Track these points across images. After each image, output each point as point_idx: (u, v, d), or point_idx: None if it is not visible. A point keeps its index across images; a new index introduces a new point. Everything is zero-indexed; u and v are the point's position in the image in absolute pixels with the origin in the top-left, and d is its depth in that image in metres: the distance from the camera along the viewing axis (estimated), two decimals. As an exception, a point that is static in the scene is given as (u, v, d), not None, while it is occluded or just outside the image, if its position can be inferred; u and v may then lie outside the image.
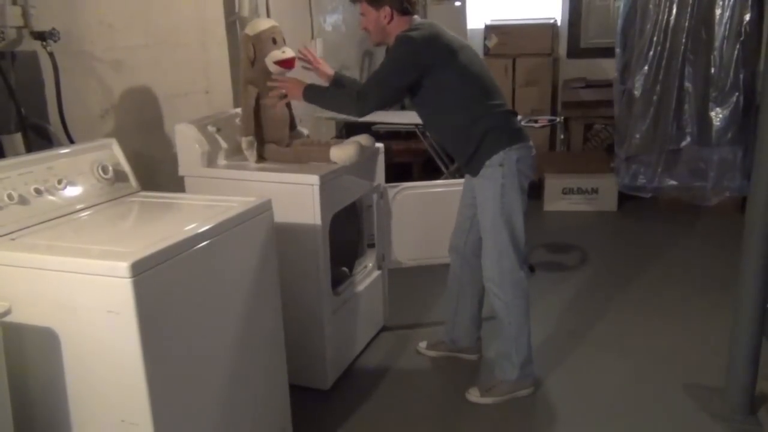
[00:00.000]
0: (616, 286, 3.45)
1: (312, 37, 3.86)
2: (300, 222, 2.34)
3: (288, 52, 2.42)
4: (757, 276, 2.19)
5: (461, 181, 2.65)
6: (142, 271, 1.45)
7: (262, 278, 1.94)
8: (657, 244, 4.06)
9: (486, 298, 2.56)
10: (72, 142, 2.13)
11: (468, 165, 2.39)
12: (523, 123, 3.23)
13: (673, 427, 2.32)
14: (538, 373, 2.56)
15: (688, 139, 4.26)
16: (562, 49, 5.47)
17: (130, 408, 1.53)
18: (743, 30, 4.02)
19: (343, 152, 2.41)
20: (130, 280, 1.43)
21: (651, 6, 4.19)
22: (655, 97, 4.26)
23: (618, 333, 2.96)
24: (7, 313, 1.43)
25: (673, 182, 4.36)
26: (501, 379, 2.49)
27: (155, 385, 1.51)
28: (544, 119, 4.49)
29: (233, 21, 3.06)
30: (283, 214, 2.13)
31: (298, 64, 2.50)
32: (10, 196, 1.70)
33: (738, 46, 4.03)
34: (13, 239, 1.64)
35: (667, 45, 4.17)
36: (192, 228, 1.67)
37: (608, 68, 4.64)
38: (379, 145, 2.75)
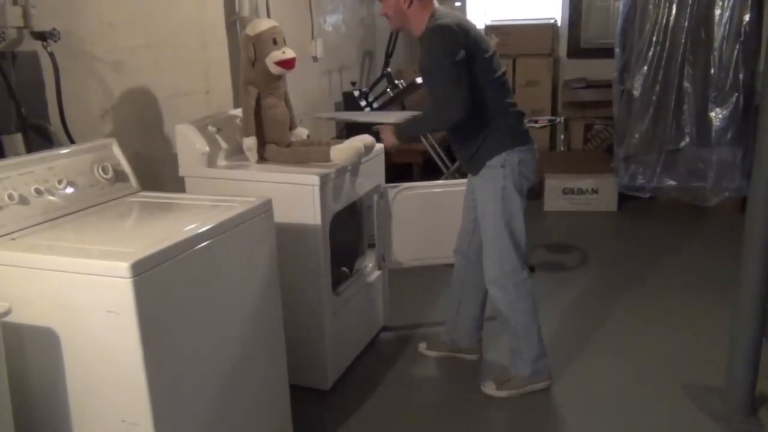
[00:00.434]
0: (616, 287, 3.44)
1: (312, 38, 3.86)
2: (300, 222, 2.34)
3: (288, 53, 2.42)
4: (757, 276, 2.19)
5: (462, 181, 2.66)
6: (142, 272, 1.45)
7: (262, 278, 1.94)
8: (657, 245, 4.07)
9: (489, 300, 2.56)
10: (72, 142, 2.13)
11: (469, 163, 2.39)
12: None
13: (673, 427, 2.32)
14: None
15: (688, 139, 4.26)
16: (563, 49, 5.47)
17: (130, 408, 1.53)
18: (743, 30, 4.02)
19: (343, 153, 2.41)
20: (130, 280, 1.43)
21: (651, 6, 4.19)
22: (654, 98, 4.26)
23: (618, 333, 2.96)
24: (7, 313, 1.43)
25: (672, 182, 4.36)
26: (515, 374, 2.51)
27: (156, 385, 1.51)
28: (544, 119, 4.49)
29: (233, 21, 3.06)
30: (283, 215, 2.13)
31: (297, 64, 2.49)
32: (10, 196, 1.70)
33: (738, 47, 4.03)
34: (13, 239, 1.64)
35: (667, 45, 4.18)
36: (192, 228, 1.67)
37: (608, 68, 4.64)
38: (379, 145, 2.75)
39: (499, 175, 2.30)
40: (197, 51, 2.87)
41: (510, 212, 2.33)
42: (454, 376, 2.67)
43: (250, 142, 2.44)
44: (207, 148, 2.43)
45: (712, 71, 4.12)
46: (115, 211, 1.92)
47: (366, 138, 2.55)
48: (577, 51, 5.45)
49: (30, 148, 1.99)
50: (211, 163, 2.45)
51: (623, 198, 4.66)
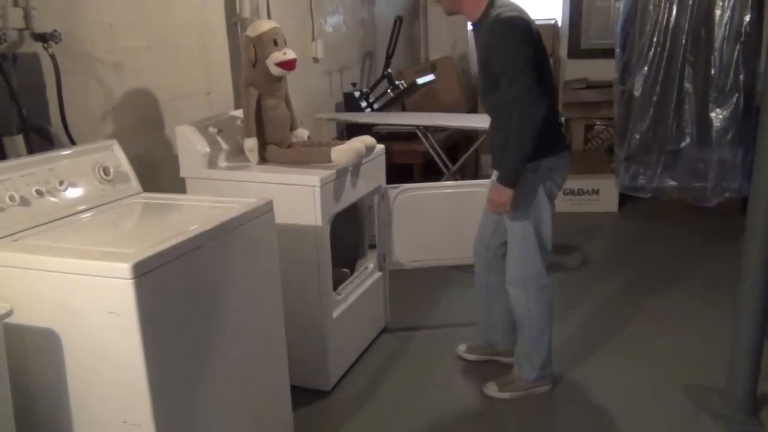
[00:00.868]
0: (617, 287, 3.44)
1: (313, 39, 3.86)
2: (301, 223, 2.34)
3: (289, 54, 2.42)
4: (758, 276, 2.19)
5: (462, 182, 2.65)
6: (143, 273, 1.45)
7: (263, 279, 1.94)
8: (657, 245, 4.07)
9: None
10: (73, 143, 2.13)
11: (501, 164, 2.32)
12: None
13: (674, 428, 2.32)
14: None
15: (688, 139, 4.26)
16: (563, 49, 5.47)
17: (131, 409, 1.53)
18: (743, 31, 4.02)
19: (343, 154, 2.41)
20: (131, 281, 1.43)
21: (651, 7, 4.19)
22: (655, 98, 4.26)
23: (618, 333, 2.96)
24: (8, 314, 1.43)
25: (672, 183, 4.36)
26: (519, 377, 2.50)
27: (157, 386, 1.51)
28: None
29: (234, 23, 3.06)
30: (284, 215, 2.13)
31: (298, 65, 2.50)
32: (11, 198, 1.70)
33: (738, 47, 4.04)
34: (14, 240, 1.64)
35: (667, 46, 4.18)
36: (193, 229, 1.67)
37: (609, 69, 4.64)
38: (380, 146, 2.75)
39: (531, 179, 2.27)
40: (198, 52, 2.87)
41: (539, 217, 2.32)
42: (456, 377, 2.67)
43: (250, 143, 2.44)
44: (208, 150, 2.43)
45: (713, 72, 4.13)
46: (116, 212, 1.92)
47: (366, 139, 2.56)
48: (577, 51, 5.44)
49: (31, 150, 1.99)
50: (211, 164, 2.45)
51: (624, 198, 4.66)
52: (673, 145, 4.29)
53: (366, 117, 4.00)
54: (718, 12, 4.06)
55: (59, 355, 1.55)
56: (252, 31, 2.43)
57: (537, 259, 2.36)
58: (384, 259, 2.92)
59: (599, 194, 4.69)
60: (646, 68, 4.25)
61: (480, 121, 4.01)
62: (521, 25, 2.15)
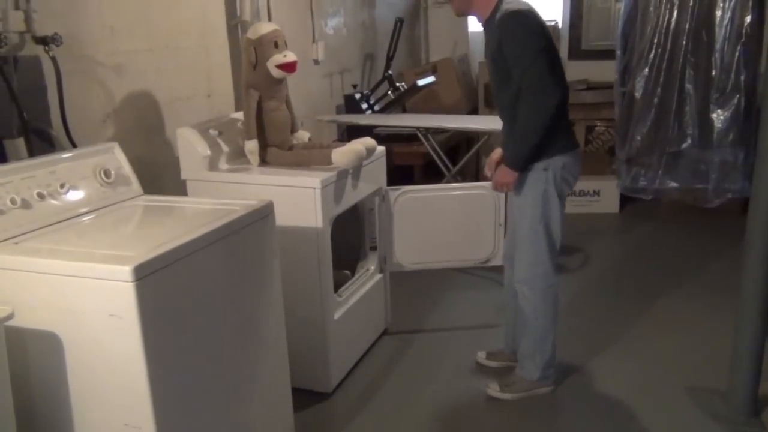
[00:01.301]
0: (618, 289, 3.44)
1: (313, 41, 3.86)
2: (302, 225, 2.34)
3: (290, 56, 2.42)
4: (759, 278, 2.19)
5: (463, 184, 2.65)
6: (144, 275, 1.46)
7: (264, 281, 1.94)
8: (659, 247, 4.06)
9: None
10: (74, 146, 2.13)
11: None
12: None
13: (675, 429, 2.31)
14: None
15: (689, 141, 4.26)
16: (564, 51, 5.47)
17: (132, 412, 1.53)
18: (744, 32, 4.02)
19: (344, 155, 2.41)
20: (132, 283, 1.43)
21: (651, 8, 4.18)
22: (655, 99, 4.26)
23: (620, 335, 2.96)
24: (10, 317, 1.43)
25: (674, 184, 4.35)
26: (522, 377, 2.50)
27: (158, 388, 1.51)
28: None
29: (235, 25, 3.06)
30: (285, 217, 2.13)
31: (299, 68, 2.50)
32: (13, 201, 1.70)
33: (739, 48, 4.03)
34: (16, 243, 1.64)
35: (668, 47, 4.17)
36: (194, 231, 1.67)
37: (610, 70, 4.64)
38: (381, 148, 2.75)
39: (542, 178, 2.27)
40: (199, 54, 2.88)
41: (549, 216, 2.32)
42: (457, 378, 2.67)
43: (251, 146, 2.44)
44: (208, 152, 2.43)
45: (714, 73, 4.12)
46: (117, 214, 1.92)
47: (367, 140, 2.56)
48: (578, 53, 5.44)
49: (32, 153, 1.99)
50: (212, 166, 2.45)
51: (625, 200, 4.66)
52: (675, 146, 4.29)
53: (366, 119, 4.00)
54: (718, 13, 4.05)
55: (60, 357, 1.55)
56: (253, 34, 2.44)
57: (545, 257, 2.36)
58: (385, 261, 2.92)
59: (600, 195, 4.69)
60: (646, 70, 4.24)
61: (480, 123, 4.02)
62: (533, 17, 2.18)
